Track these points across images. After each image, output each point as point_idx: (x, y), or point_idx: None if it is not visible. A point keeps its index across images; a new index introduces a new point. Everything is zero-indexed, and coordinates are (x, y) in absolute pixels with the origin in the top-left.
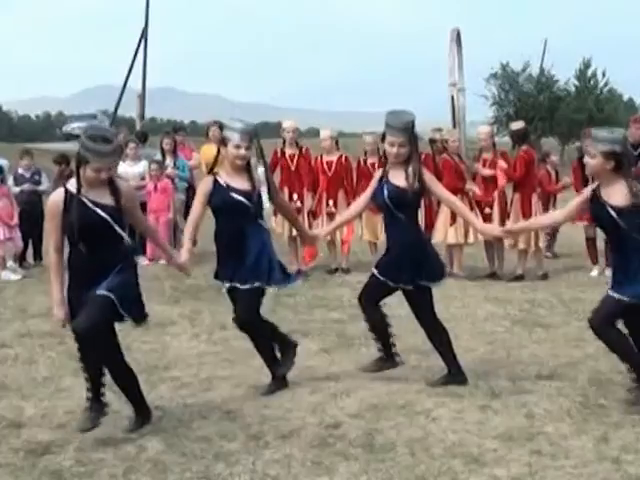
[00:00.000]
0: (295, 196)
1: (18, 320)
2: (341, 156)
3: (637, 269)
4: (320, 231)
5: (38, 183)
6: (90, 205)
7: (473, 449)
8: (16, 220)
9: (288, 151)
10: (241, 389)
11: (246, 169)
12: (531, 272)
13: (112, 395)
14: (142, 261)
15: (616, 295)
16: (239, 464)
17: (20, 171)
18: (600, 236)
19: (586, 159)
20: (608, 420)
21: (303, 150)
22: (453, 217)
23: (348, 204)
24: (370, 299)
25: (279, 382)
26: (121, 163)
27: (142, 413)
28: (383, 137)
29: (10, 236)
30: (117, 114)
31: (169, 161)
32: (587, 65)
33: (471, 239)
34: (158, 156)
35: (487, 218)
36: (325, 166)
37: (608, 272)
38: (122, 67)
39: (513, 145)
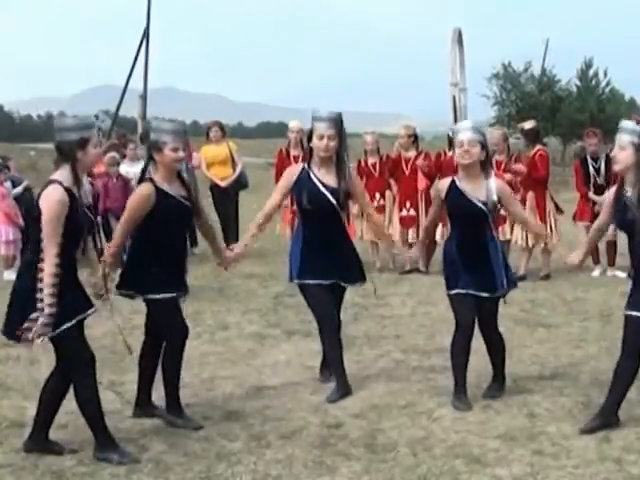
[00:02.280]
0: None
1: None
2: None
3: None
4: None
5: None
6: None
7: (475, 449)
8: (21, 221)
9: (293, 152)
10: (243, 389)
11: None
12: (533, 272)
13: (112, 395)
14: None
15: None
16: (241, 464)
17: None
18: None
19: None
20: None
21: (307, 152)
22: None
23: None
24: None
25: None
26: (121, 164)
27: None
28: (310, 136)
29: (16, 237)
30: (119, 114)
31: None
32: (589, 65)
33: None
34: None
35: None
36: None
37: (610, 272)
38: (123, 67)
39: (527, 144)
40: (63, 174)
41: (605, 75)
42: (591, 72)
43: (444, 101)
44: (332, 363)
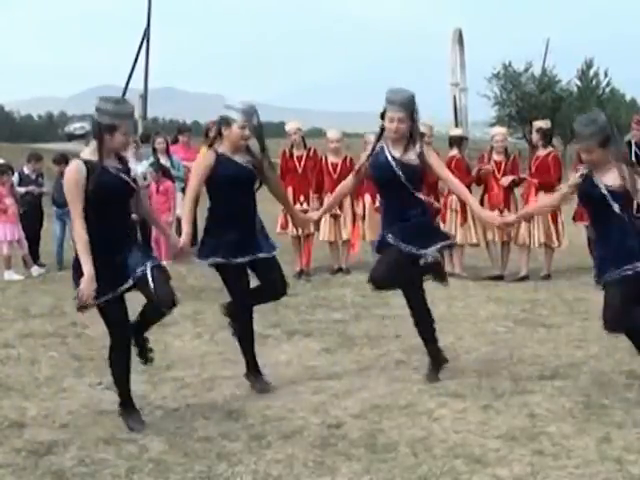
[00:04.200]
0: (302, 198)
1: (21, 320)
2: (346, 157)
3: (617, 248)
4: (313, 214)
5: (41, 185)
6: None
7: (475, 449)
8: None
9: (296, 152)
10: (243, 389)
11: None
12: (534, 272)
13: (113, 395)
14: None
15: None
16: (241, 464)
17: (26, 171)
18: None
19: (584, 157)
20: (610, 420)
21: (311, 152)
22: (464, 217)
23: (353, 206)
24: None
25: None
26: None
27: None
28: (382, 115)
29: (18, 237)
30: None
31: (164, 161)
32: (589, 65)
33: (474, 240)
34: (151, 157)
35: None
36: (330, 168)
37: None
38: (124, 67)
39: (542, 144)
40: (87, 151)
41: (605, 75)
42: (591, 72)
43: (445, 101)
44: None
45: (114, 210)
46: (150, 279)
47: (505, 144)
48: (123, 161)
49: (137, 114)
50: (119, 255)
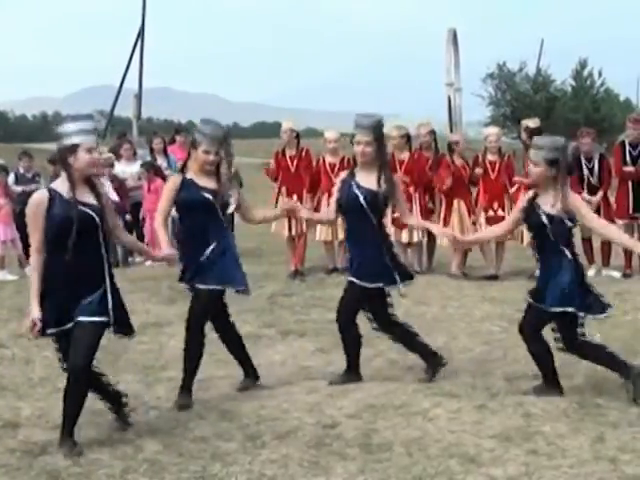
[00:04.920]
0: (295, 197)
1: (15, 320)
2: (344, 158)
3: (555, 275)
4: (302, 209)
5: (39, 184)
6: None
7: (470, 449)
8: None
9: (288, 152)
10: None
11: (215, 172)
12: (528, 271)
13: None
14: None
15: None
16: (236, 464)
17: (22, 170)
18: (596, 236)
19: (530, 167)
20: (605, 420)
21: (303, 152)
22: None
23: None
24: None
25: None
26: (117, 163)
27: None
28: (352, 139)
29: (12, 237)
30: (114, 114)
31: (161, 161)
32: (583, 65)
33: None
34: (148, 157)
35: (499, 219)
36: (328, 168)
37: (604, 272)
38: (119, 67)
39: (529, 143)
40: (58, 180)
41: (600, 75)
42: (586, 72)
43: (440, 101)
44: None
45: (77, 244)
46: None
47: (499, 144)
48: (95, 190)
49: (132, 114)
50: (73, 292)
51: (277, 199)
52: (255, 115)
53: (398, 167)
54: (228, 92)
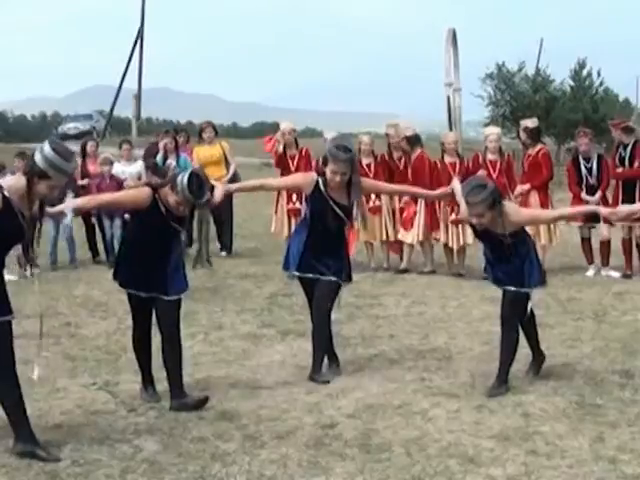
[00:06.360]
0: (294, 197)
1: (14, 320)
2: None
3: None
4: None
5: None
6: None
7: (469, 449)
8: None
9: (289, 152)
10: (237, 389)
11: None
12: None
13: (107, 395)
14: None
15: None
16: (235, 464)
17: (16, 171)
18: (595, 236)
19: (476, 221)
20: (604, 420)
21: (303, 152)
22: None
23: None
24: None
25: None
26: (116, 164)
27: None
28: (325, 161)
29: None
30: (113, 114)
31: (171, 160)
32: (582, 65)
33: (469, 240)
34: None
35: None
36: None
37: (604, 272)
38: (118, 67)
39: (530, 143)
40: (14, 181)
41: (598, 75)
42: (585, 72)
43: (439, 101)
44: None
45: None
46: None
47: (499, 144)
48: (42, 208)
49: (131, 114)
50: None
51: (277, 199)
52: (254, 115)
53: (402, 167)
54: (227, 92)
